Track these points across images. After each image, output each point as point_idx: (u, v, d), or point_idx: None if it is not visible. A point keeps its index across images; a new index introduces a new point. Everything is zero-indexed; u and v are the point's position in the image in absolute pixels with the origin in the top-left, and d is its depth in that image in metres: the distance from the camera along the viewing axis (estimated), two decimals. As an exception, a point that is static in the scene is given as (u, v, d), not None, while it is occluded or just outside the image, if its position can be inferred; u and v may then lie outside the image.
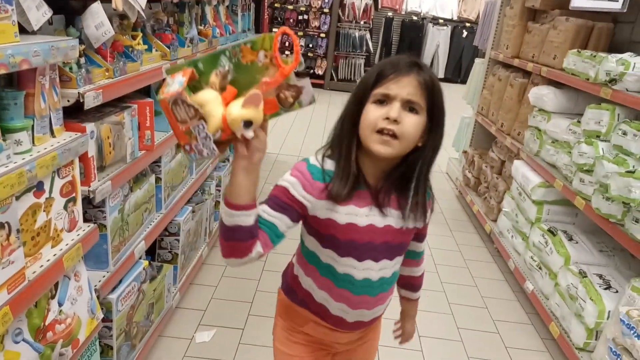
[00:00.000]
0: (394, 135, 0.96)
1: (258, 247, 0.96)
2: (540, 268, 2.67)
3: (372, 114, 0.97)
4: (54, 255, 1.23)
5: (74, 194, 1.31)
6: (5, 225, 1.01)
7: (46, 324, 1.21)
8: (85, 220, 1.47)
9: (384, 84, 0.97)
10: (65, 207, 1.28)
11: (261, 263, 2.90)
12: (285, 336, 1.22)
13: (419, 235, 1.20)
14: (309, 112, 7.05)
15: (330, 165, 1.03)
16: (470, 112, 4.39)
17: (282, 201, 1.01)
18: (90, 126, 1.37)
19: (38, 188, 1.16)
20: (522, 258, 2.91)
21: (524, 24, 3.42)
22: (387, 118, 0.96)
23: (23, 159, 1.08)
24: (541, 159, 2.89)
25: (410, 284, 1.32)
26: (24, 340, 1.13)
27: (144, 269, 1.82)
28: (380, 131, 0.96)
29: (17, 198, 1.08)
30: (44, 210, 1.19)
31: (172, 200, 2.19)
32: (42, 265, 1.18)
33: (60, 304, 1.27)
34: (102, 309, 1.56)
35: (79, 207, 1.34)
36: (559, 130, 2.72)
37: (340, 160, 1.02)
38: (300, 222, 1.07)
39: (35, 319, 1.17)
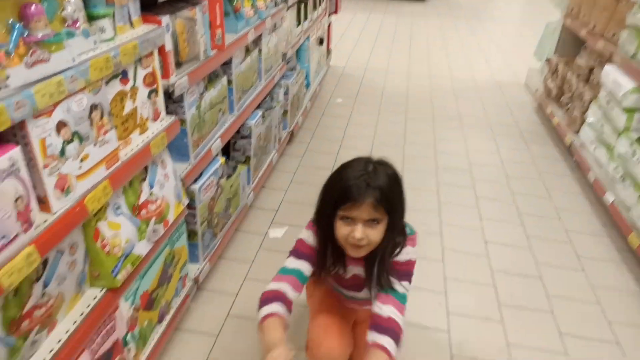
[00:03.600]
0: (361, 245, 1.19)
1: (291, 296, 1.26)
2: (623, 180, 2.51)
3: (341, 231, 1.18)
4: (142, 141, 1.34)
5: (155, 86, 1.38)
6: (98, 106, 1.10)
7: (140, 202, 1.34)
8: (167, 113, 1.57)
9: (346, 209, 1.15)
10: (148, 97, 1.36)
11: (328, 170, 2.97)
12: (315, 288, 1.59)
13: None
14: (376, 27, 6.73)
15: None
16: (557, 17, 3.97)
17: (302, 252, 1.32)
18: (165, 19, 1.40)
19: (123, 75, 1.23)
20: (604, 170, 2.74)
21: None
22: (353, 237, 1.16)
23: (108, 45, 1.15)
24: (638, 62, 2.59)
25: (375, 323, 1.22)
26: (123, 213, 1.27)
27: (221, 165, 1.94)
28: (351, 243, 1.19)
29: (107, 83, 1.16)
30: (130, 98, 1.27)
31: (244, 103, 2.25)
32: (132, 149, 1.29)
33: (151, 187, 1.40)
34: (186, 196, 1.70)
35: (160, 99, 1.42)
36: (664, 25, 2.39)
37: (321, 249, 1.30)
38: None
39: (130, 197, 1.31)
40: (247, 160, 2.40)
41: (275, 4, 2.58)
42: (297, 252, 1.32)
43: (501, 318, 1.95)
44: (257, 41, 2.41)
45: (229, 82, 2.06)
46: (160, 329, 1.59)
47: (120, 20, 1.23)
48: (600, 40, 3.05)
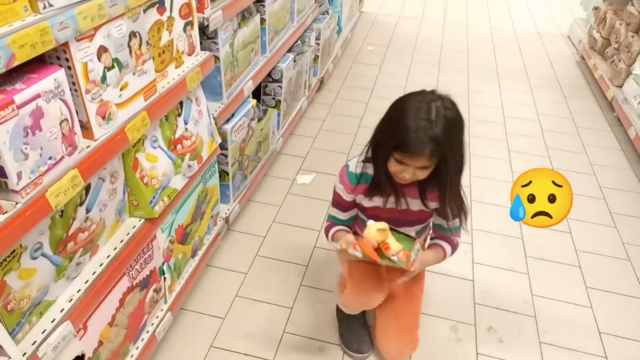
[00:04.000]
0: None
1: None
2: (668, 136, 2.40)
3: (393, 167, 1.19)
4: (178, 75, 1.33)
5: (190, 18, 1.35)
6: (137, 34, 1.09)
7: (175, 137, 1.35)
8: (201, 50, 1.55)
9: (402, 154, 1.13)
10: (184, 30, 1.33)
11: (358, 119, 2.93)
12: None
13: (445, 214, 1.32)
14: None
15: (368, 169, 1.29)
16: (610, -41, 3.68)
17: (343, 205, 1.38)
18: (201, -52, 1.35)
19: (160, 4, 1.21)
20: (648, 126, 2.62)
21: None
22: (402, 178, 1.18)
23: (145, -30, 1.12)
24: (698, 9, 2.41)
25: (440, 235, 1.40)
26: (159, 147, 1.28)
27: (252, 107, 1.92)
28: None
29: (145, 11, 1.14)
30: (166, 29, 1.25)
31: (276, 45, 2.20)
32: (168, 82, 1.28)
33: (185, 123, 1.40)
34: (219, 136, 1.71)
35: (195, 33, 1.40)
36: None
37: (377, 175, 1.26)
38: None
39: (167, 131, 1.32)
40: (277, 105, 2.38)
41: (310, -59, 2.46)
42: (340, 206, 1.39)
43: (527, 270, 1.95)
44: (291, -20, 2.32)
45: (262, 21, 2.01)
46: (193, 263, 1.64)
47: (156, -54, 1.19)
48: (656, -13, 2.83)
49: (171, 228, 1.42)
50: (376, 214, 1.34)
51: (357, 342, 1.54)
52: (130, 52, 1.08)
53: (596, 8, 3.67)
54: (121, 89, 1.06)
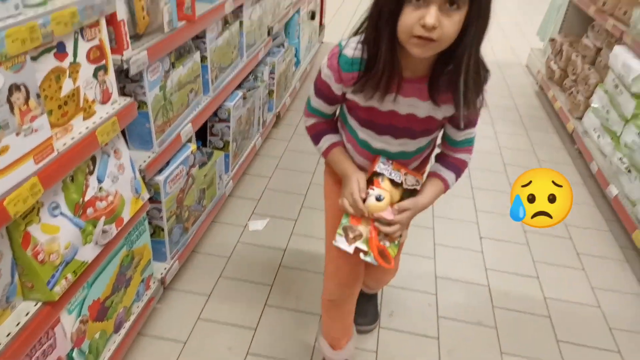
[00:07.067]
0: (432, 39, 0.90)
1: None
2: (629, 171, 2.34)
3: (409, 18, 0.90)
4: (87, 128, 1.13)
5: (103, 61, 1.17)
6: (22, 87, 0.90)
7: (85, 200, 1.15)
8: (124, 94, 1.36)
9: None
10: (95, 76, 1.15)
11: (316, 156, 2.78)
12: (333, 190, 1.30)
13: (457, 122, 1.11)
14: None
15: (364, 53, 1.01)
16: (564, -8, 3.74)
17: (329, 97, 1.14)
18: (117, -18, 1.18)
19: (59, 50, 1.02)
20: (608, 160, 2.57)
21: None
22: (424, 25, 0.88)
23: (35, 11, 0.93)
24: (651, 44, 2.40)
25: (443, 158, 1.22)
26: (62, 214, 1.08)
27: (192, 153, 1.74)
28: (418, 36, 0.90)
29: (35, 59, 0.96)
30: (69, 77, 1.07)
31: (221, 83, 2.04)
32: (73, 138, 1.09)
33: (100, 181, 1.21)
34: (149, 190, 1.51)
35: (111, 77, 1.22)
36: (682, 4, 2.20)
37: (378, 55, 0.98)
38: None
39: (72, 194, 1.11)
40: (225, 146, 2.20)
41: (260, -28, 2.34)
42: (324, 96, 1.15)
43: (495, 323, 1.81)
44: (238, 12, 2.17)
45: (203, 58, 1.85)
46: (117, 339, 1.41)
47: (56, -19, 1.01)
48: (609, 19, 2.84)
49: (82, 306, 1.20)
50: (371, 120, 1.10)
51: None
52: (12, 108, 0.89)
53: (552, 40, 3.70)
54: (-3, 155, 0.87)
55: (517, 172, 2.72)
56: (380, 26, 0.95)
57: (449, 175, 1.19)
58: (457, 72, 0.97)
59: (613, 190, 2.40)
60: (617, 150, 2.49)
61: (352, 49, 1.03)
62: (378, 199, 1.09)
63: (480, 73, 1.00)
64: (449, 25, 0.89)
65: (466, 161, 1.20)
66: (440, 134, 1.19)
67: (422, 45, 0.91)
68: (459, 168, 1.20)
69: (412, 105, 1.06)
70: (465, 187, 2.61)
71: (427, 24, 0.87)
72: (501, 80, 4.09)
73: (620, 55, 2.61)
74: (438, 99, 1.03)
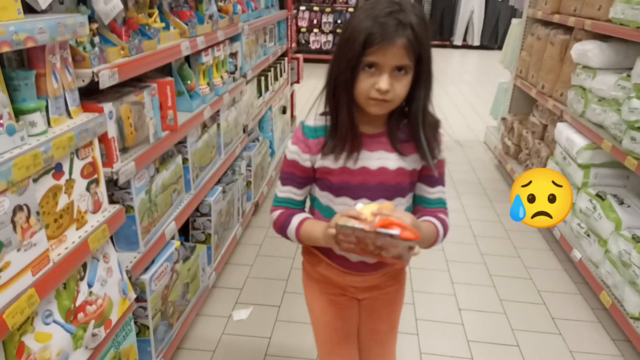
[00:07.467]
0: (386, 100, 1.05)
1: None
2: (588, 235, 2.51)
3: (364, 84, 1.04)
4: (79, 237, 1.23)
5: (95, 175, 1.30)
6: (24, 207, 1.01)
7: (76, 305, 1.21)
8: (113, 202, 1.48)
9: (372, 52, 1.01)
10: (87, 189, 1.27)
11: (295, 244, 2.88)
12: (309, 285, 1.34)
13: (426, 177, 1.19)
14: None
15: (325, 121, 1.14)
16: (508, 77, 4.16)
17: (299, 176, 1.17)
18: (108, 106, 1.35)
19: (57, 170, 1.15)
20: (569, 226, 2.75)
21: (563, -25, 3.17)
22: (379, 89, 1.03)
23: (38, 140, 1.07)
24: (587, 120, 2.69)
25: (424, 216, 1.19)
26: (54, 321, 1.14)
27: (176, 249, 1.82)
28: (374, 98, 1.05)
29: (36, 180, 1.07)
30: (65, 192, 1.18)
31: (202, 180, 2.18)
32: (67, 248, 1.18)
33: (90, 286, 1.28)
34: (135, 289, 1.57)
35: (102, 189, 1.34)
36: (605, 87, 2.51)
37: (338, 119, 1.10)
38: None
39: (65, 301, 1.18)
40: (207, 239, 2.29)
41: (234, 80, 2.58)
42: (294, 180, 1.18)
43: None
44: (215, 117, 2.38)
45: (185, 160, 2.00)
46: None
47: (55, 111, 1.16)
48: (550, 100, 3.18)
49: (71, 413, 1.21)
50: (346, 183, 1.13)
51: None
52: (15, 227, 0.99)
53: (504, 118, 4.05)
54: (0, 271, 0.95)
55: (487, 243, 2.90)
56: (337, 94, 1.08)
57: (437, 223, 1.17)
58: (415, 124, 1.11)
59: (577, 254, 2.55)
60: (575, 216, 2.68)
61: (313, 120, 1.15)
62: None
63: (433, 123, 1.15)
64: (399, 87, 1.04)
65: (446, 220, 1.19)
66: (414, 199, 1.22)
67: (378, 105, 1.06)
68: (443, 219, 1.18)
69: (381, 158, 1.13)
70: (440, 261, 2.72)
71: (382, 88, 1.02)
72: (463, 157, 4.38)
73: (563, 131, 2.89)
74: (401, 148, 1.13)
